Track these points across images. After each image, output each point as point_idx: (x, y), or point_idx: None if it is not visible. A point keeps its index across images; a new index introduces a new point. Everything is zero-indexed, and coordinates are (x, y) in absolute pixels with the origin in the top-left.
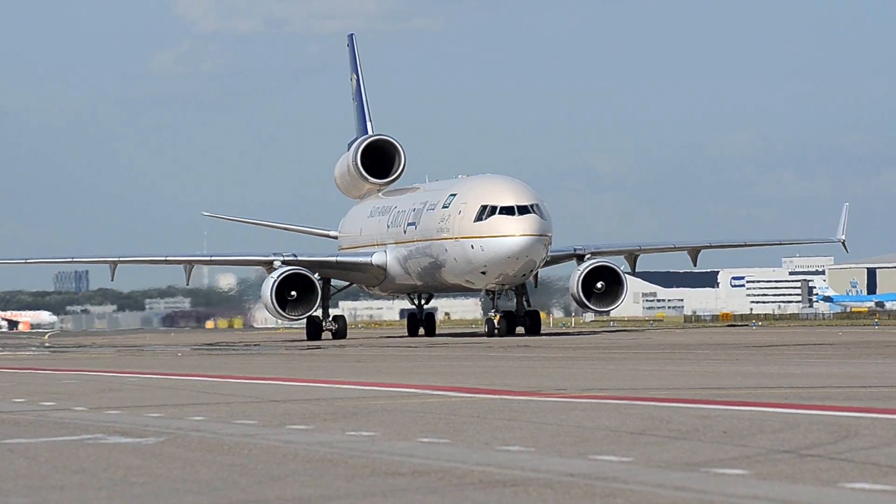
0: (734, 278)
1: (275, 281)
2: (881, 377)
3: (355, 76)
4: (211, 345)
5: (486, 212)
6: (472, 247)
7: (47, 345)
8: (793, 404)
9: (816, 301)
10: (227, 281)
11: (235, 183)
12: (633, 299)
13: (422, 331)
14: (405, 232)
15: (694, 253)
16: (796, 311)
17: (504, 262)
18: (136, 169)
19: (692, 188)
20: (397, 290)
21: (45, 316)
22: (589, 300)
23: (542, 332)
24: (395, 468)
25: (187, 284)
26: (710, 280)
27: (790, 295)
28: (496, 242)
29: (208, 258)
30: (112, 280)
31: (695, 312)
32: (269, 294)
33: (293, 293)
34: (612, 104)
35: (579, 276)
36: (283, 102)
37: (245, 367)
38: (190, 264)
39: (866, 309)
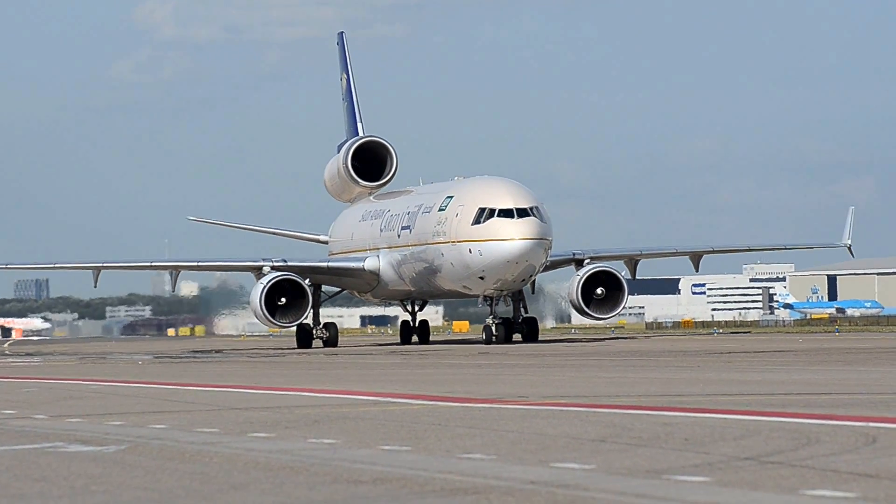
0: (695, 285)
1: (264, 287)
2: (842, 384)
3: (345, 75)
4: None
5: (484, 214)
6: (470, 251)
7: (7, 353)
8: (754, 411)
9: (777, 308)
10: (188, 289)
11: (212, 189)
12: None
13: (415, 338)
14: (399, 236)
15: (696, 258)
16: (757, 318)
17: (503, 267)
18: (104, 176)
19: (652, 195)
20: (390, 297)
21: (37, 322)
22: (588, 306)
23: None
24: (357, 476)
25: (173, 290)
26: (671, 287)
27: (751, 302)
28: (495, 246)
29: (196, 263)
30: (95, 286)
31: (656, 319)
32: (258, 300)
33: (283, 300)
34: (571, 111)
35: (579, 282)
36: (254, 107)
37: (207, 375)
38: (176, 270)
39: (827, 316)
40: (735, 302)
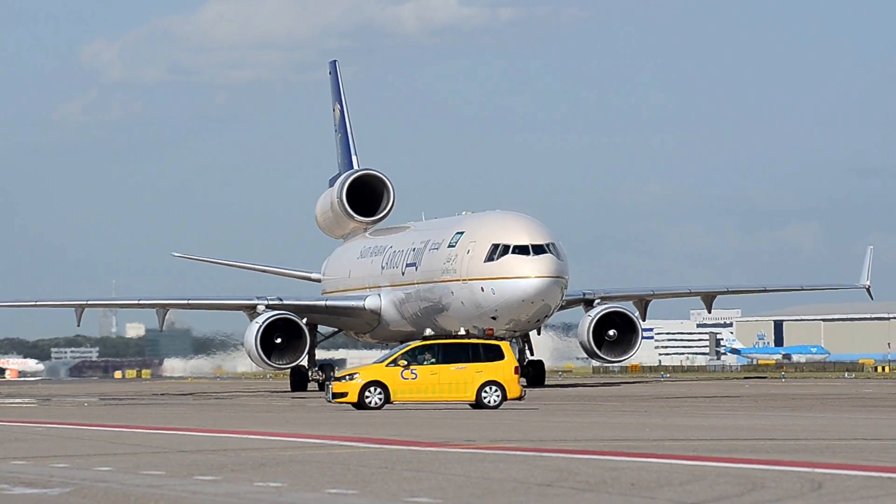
0: (642, 329)
1: (260, 326)
2: (787, 430)
3: (338, 106)
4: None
5: (497, 251)
6: (482, 289)
7: None
8: (700, 456)
9: (724, 353)
10: (135, 330)
11: (187, 228)
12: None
13: None
14: (403, 273)
15: (709, 299)
16: (704, 363)
17: (517, 307)
18: (64, 215)
19: (597, 239)
20: (390, 338)
21: (31, 364)
22: (599, 349)
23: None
24: None
25: (161, 330)
26: None
27: (698, 347)
28: (509, 285)
29: (186, 301)
30: (78, 325)
31: (602, 363)
32: (253, 341)
33: (278, 340)
34: (517, 155)
35: (590, 323)
36: (206, 148)
37: (153, 418)
38: (164, 308)
39: (773, 361)
40: (682, 347)
